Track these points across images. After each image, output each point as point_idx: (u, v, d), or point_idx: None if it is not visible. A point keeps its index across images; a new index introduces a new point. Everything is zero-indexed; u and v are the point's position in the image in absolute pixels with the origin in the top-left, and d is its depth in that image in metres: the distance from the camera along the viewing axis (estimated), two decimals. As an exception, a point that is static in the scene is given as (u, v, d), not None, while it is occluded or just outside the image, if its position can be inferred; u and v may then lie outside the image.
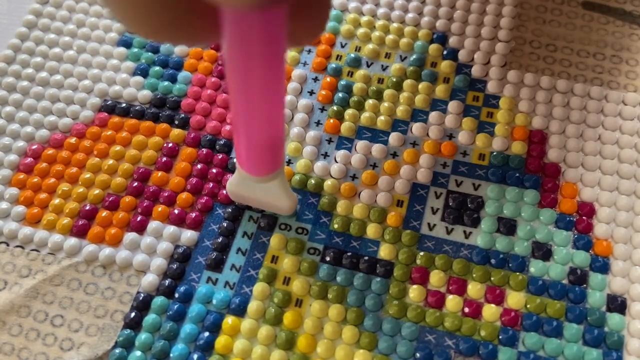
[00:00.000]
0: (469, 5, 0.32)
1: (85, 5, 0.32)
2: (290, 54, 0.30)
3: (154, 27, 0.16)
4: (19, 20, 0.32)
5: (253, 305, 0.24)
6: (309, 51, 0.31)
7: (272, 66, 0.18)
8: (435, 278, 0.24)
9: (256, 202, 0.25)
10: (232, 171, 0.27)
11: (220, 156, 0.27)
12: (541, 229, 0.26)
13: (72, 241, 0.25)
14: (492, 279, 0.25)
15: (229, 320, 0.24)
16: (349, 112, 0.29)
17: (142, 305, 0.24)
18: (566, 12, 0.32)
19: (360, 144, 0.28)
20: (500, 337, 0.23)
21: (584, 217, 0.26)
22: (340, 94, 0.29)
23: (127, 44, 0.31)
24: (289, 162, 0.27)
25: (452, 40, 0.31)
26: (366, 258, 0.25)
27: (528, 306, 0.24)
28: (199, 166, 0.27)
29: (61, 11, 0.32)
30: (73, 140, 0.28)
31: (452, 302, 0.24)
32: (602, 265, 0.25)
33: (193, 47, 0.30)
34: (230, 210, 0.26)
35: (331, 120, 0.28)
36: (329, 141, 0.28)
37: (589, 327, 0.24)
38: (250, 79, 0.18)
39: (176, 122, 0.29)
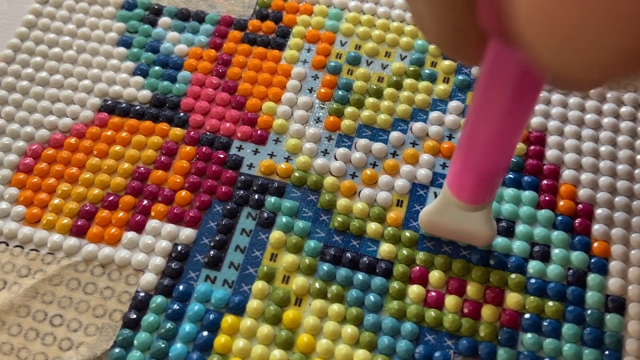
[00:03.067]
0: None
1: (85, 5, 0.32)
2: (290, 52, 0.31)
3: (452, 47, 0.18)
4: (19, 20, 0.32)
5: (252, 304, 0.24)
6: (309, 49, 0.31)
7: (526, 102, 0.18)
8: (435, 278, 0.25)
9: (452, 231, 0.24)
10: (232, 168, 0.27)
11: (218, 153, 0.28)
12: (540, 230, 0.26)
13: (72, 241, 0.25)
14: (491, 279, 0.25)
15: (228, 319, 0.24)
16: (348, 110, 0.29)
17: (141, 305, 0.24)
18: (565, 12, 0.31)
19: (360, 142, 0.28)
20: (499, 337, 0.23)
21: (582, 218, 0.26)
22: (340, 92, 0.29)
23: (127, 44, 0.31)
24: (288, 159, 0.27)
25: (452, 41, 0.31)
26: (366, 257, 0.25)
27: (527, 307, 0.24)
28: (197, 164, 0.27)
29: (61, 11, 0.32)
30: (73, 140, 0.28)
31: (452, 302, 0.24)
32: (600, 266, 0.25)
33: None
34: (228, 207, 0.26)
35: (331, 118, 0.28)
36: (329, 139, 0.28)
37: (588, 328, 0.24)
38: (503, 109, 0.18)
39: (175, 122, 0.29)
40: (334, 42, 0.31)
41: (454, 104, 0.29)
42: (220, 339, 0.23)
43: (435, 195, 0.26)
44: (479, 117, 0.19)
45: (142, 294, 0.24)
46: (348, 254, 0.25)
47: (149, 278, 0.25)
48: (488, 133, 0.19)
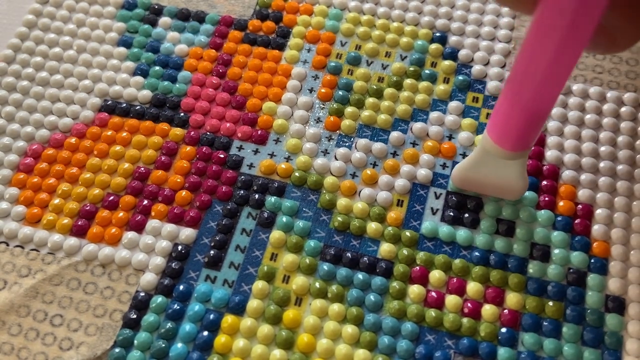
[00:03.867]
0: (469, 5, 0.32)
1: (85, 5, 0.32)
2: (290, 52, 0.31)
3: None
4: (19, 20, 0.32)
5: (252, 304, 0.24)
6: (309, 50, 0.31)
7: (576, 44, 0.19)
8: (435, 278, 0.25)
9: (485, 185, 0.25)
10: (232, 167, 0.27)
11: (218, 153, 0.28)
12: (540, 230, 0.26)
13: (72, 241, 0.25)
14: (491, 279, 0.25)
15: (228, 319, 0.24)
16: (348, 110, 0.29)
17: (141, 305, 0.24)
18: (565, 13, 0.32)
19: (361, 142, 0.28)
20: (499, 337, 0.23)
21: (582, 219, 0.26)
22: (340, 92, 0.29)
23: (127, 44, 0.31)
24: (288, 159, 0.27)
25: (452, 40, 0.31)
26: (366, 257, 0.25)
27: (527, 306, 0.24)
28: (198, 164, 0.27)
29: (61, 11, 0.32)
30: (73, 140, 0.28)
31: (452, 302, 0.24)
32: (600, 266, 0.25)
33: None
34: (228, 207, 0.26)
35: (331, 118, 0.28)
36: (329, 138, 0.28)
37: (588, 328, 0.24)
38: (556, 45, 0.19)
39: (175, 122, 0.29)
40: (334, 42, 0.31)
41: (454, 104, 0.29)
42: (221, 339, 0.23)
43: (436, 196, 0.26)
44: (532, 56, 0.20)
45: (142, 294, 0.24)
46: (348, 254, 0.25)
47: (149, 278, 0.25)
48: (541, 71, 0.20)
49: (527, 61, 0.20)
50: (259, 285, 0.24)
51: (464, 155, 0.27)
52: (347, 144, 0.28)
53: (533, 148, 0.24)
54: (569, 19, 0.18)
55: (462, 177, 0.25)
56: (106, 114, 0.29)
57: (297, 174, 0.27)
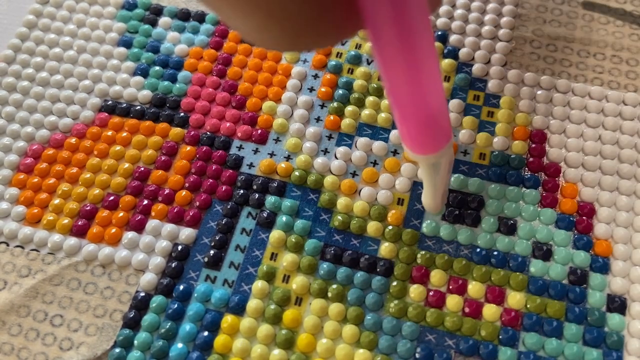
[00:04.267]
0: (469, 4, 0.32)
1: (85, 5, 0.32)
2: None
3: (297, 29, 0.14)
4: (19, 20, 0.32)
5: (252, 304, 0.24)
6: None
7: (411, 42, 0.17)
8: (436, 277, 0.24)
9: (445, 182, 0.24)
10: (232, 167, 0.27)
11: (218, 153, 0.28)
12: (541, 228, 0.25)
13: (72, 241, 0.25)
14: (492, 278, 0.24)
15: (228, 319, 0.24)
16: (349, 109, 0.29)
17: (141, 305, 0.24)
18: (566, 12, 0.32)
19: (361, 141, 0.28)
20: (500, 337, 0.23)
21: (584, 217, 0.26)
22: (340, 91, 0.29)
23: (128, 44, 0.31)
24: (288, 158, 0.27)
25: (453, 39, 0.31)
26: (366, 256, 0.25)
27: (528, 306, 0.24)
28: (198, 163, 0.27)
29: (61, 11, 0.32)
30: (73, 140, 0.28)
31: (453, 301, 0.24)
32: (602, 266, 0.25)
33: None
34: (229, 206, 0.26)
35: (331, 117, 0.28)
36: (329, 137, 0.28)
37: (589, 327, 0.23)
38: (398, 57, 0.17)
39: (176, 122, 0.29)
40: (334, 41, 0.31)
41: (454, 102, 0.29)
42: (221, 339, 0.23)
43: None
44: (388, 70, 0.18)
45: (142, 294, 0.24)
46: (348, 253, 0.25)
47: (149, 278, 0.25)
48: (402, 84, 0.19)
49: (386, 76, 0.19)
50: (259, 285, 0.24)
51: (465, 154, 0.27)
52: (347, 143, 0.28)
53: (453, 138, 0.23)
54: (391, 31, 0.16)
55: (436, 203, 0.24)
56: (106, 114, 0.29)
57: (297, 173, 0.27)
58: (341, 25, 0.15)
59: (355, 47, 0.31)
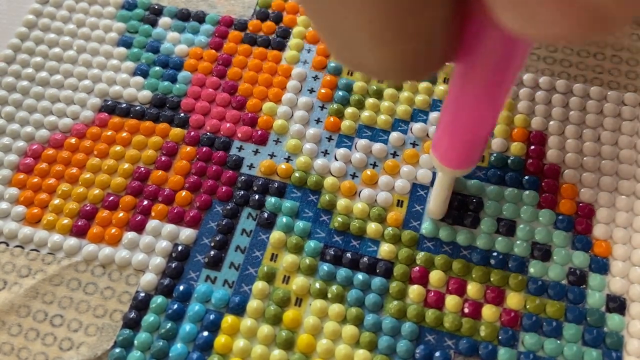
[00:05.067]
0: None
1: (85, 5, 0.32)
2: (290, 52, 0.30)
3: (418, 66, 0.16)
4: (19, 20, 0.32)
5: (252, 304, 0.24)
6: (309, 50, 0.31)
7: (507, 72, 0.18)
8: (435, 278, 0.24)
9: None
10: (232, 168, 0.27)
11: (219, 153, 0.28)
12: (540, 229, 0.26)
13: (72, 241, 0.25)
14: (491, 279, 0.25)
15: (228, 319, 0.24)
16: (349, 111, 0.29)
17: (141, 305, 0.24)
18: (566, 12, 0.32)
19: (361, 143, 0.28)
20: (499, 337, 0.23)
21: (583, 218, 0.26)
22: (340, 92, 0.29)
23: (127, 44, 0.31)
24: (288, 159, 0.27)
25: (452, 41, 0.31)
26: (366, 258, 0.25)
27: (527, 306, 0.24)
28: (198, 164, 0.27)
29: (61, 11, 0.32)
30: (73, 140, 0.28)
31: (452, 302, 0.24)
32: (601, 266, 0.25)
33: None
34: (229, 207, 0.26)
35: (331, 119, 0.28)
36: (329, 139, 0.28)
37: (589, 328, 0.24)
38: (484, 81, 0.18)
39: (176, 122, 0.29)
40: (334, 42, 0.31)
41: (454, 104, 0.29)
42: (221, 339, 0.23)
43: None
44: (463, 94, 0.19)
45: (142, 294, 0.24)
46: (348, 254, 0.25)
47: (149, 278, 0.25)
48: (471, 109, 0.20)
49: (460, 100, 0.20)
50: (259, 285, 0.24)
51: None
52: (347, 145, 0.28)
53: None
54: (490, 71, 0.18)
55: (443, 210, 0.25)
56: (106, 114, 0.29)
57: (297, 174, 0.27)
58: (446, 58, 0.17)
59: (355, 48, 0.31)
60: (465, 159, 0.22)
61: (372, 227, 0.26)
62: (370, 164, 0.27)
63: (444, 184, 0.24)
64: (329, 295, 0.24)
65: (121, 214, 0.26)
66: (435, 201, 0.25)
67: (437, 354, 0.23)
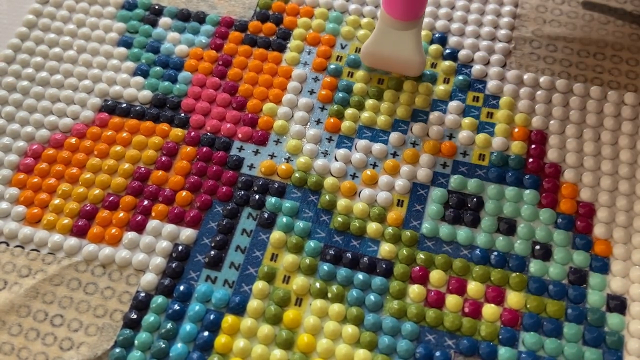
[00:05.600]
0: (468, 6, 0.32)
1: (85, 5, 0.32)
2: (291, 54, 0.31)
3: None
4: (19, 20, 0.32)
5: (252, 304, 0.24)
6: (309, 52, 0.31)
7: None
8: (435, 278, 0.24)
9: (390, 61, 0.28)
10: (232, 168, 0.27)
11: (219, 154, 0.28)
12: (541, 228, 0.25)
13: (72, 241, 0.25)
14: (492, 278, 0.24)
15: (229, 319, 0.24)
16: (349, 112, 0.29)
17: (142, 305, 0.24)
18: (566, 12, 0.32)
19: (361, 143, 0.28)
20: (500, 336, 0.23)
21: (583, 217, 0.26)
22: (340, 94, 0.29)
23: (128, 44, 0.31)
24: (288, 160, 0.27)
25: (452, 41, 0.31)
26: (366, 257, 0.25)
27: (528, 306, 0.24)
28: (198, 164, 0.27)
29: (61, 11, 0.32)
30: (73, 140, 0.28)
31: (452, 301, 0.24)
32: (601, 266, 0.25)
33: None
34: (229, 207, 0.26)
35: (331, 119, 0.28)
36: (329, 140, 0.28)
37: (589, 327, 0.23)
38: None
39: (176, 122, 0.29)
40: (334, 44, 0.31)
41: (454, 103, 0.29)
42: (221, 339, 0.23)
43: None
44: None
45: (142, 294, 0.24)
46: (348, 254, 0.25)
47: (149, 278, 0.25)
48: None
49: None
50: (259, 285, 0.24)
51: (464, 155, 0.27)
52: (347, 145, 0.28)
53: (424, 18, 0.27)
54: None
55: (368, 53, 0.27)
56: (106, 114, 0.29)
57: (297, 174, 0.27)
58: None
59: (355, 51, 0.31)
60: (408, 5, 0.25)
61: (372, 227, 0.26)
62: (370, 164, 0.27)
63: (381, 29, 0.27)
64: (329, 295, 0.24)
65: (121, 214, 0.26)
66: (370, 42, 0.28)
67: (437, 353, 0.23)
